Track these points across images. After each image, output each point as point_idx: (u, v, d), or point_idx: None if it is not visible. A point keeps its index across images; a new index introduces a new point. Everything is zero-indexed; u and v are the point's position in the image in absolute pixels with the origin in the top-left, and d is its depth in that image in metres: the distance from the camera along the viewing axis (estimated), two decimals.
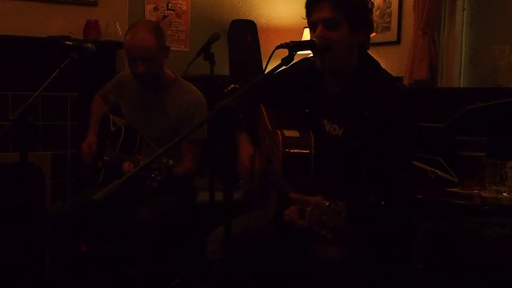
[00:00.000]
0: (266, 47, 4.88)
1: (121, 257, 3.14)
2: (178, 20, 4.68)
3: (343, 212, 1.56)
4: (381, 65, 2.18)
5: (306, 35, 4.71)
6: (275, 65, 1.89)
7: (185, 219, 2.96)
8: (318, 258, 1.85)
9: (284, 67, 1.90)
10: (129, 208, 2.76)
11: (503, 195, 2.45)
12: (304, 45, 2.02)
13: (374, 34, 2.18)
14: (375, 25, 2.18)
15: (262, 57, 4.82)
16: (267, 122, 2.22)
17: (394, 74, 2.31)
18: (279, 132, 2.07)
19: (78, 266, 2.91)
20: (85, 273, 3.08)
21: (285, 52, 1.90)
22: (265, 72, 1.87)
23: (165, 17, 4.61)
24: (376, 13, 4.55)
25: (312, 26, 2.04)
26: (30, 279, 2.90)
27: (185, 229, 3.00)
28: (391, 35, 4.47)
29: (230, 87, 2.82)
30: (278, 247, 2.20)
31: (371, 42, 2.11)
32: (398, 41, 4.51)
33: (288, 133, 2.07)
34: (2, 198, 3.51)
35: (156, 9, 4.58)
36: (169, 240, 2.73)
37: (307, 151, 2.02)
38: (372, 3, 2.10)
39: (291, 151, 2.02)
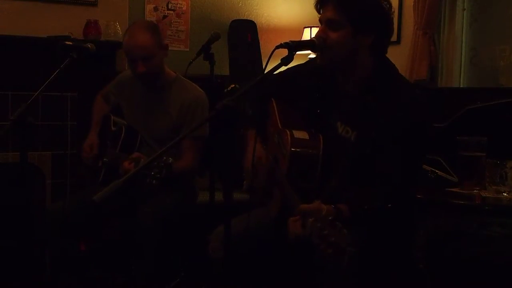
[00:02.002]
0: (266, 47, 4.87)
1: (121, 257, 3.14)
2: (178, 20, 4.67)
3: (344, 229, 1.56)
4: None
5: (306, 35, 4.71)
6: (275, 65, 1.89)
7: (185, 219, 2.96)
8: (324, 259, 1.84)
9: (283, 66, 1.91)
10: (129, 207, 2.76)
11: (503, 195, 2.45)
12: (303, 44, 2.02)
13: None
14: None
15: (262, 57, 4.82)
16: (278, 119, 2.22)
17: None
18: (288, 132, 2.07)
19: (78, 266, 2.91)
20: (85, 273, 3.08)
21: (285, 52, 1.90)
22: (265, 72, 1.87)
23: (165, 17, 4.61)
24: None
25: (320, 23, 2.06)
26: (30, 279, 2.90)
27: (185, 229, 3.00)
28: None
29: (230, 87, 2.82)
30: (279, 245, 2.19)
31: None
32: (398, 41, 4.52)
33: (297, 134, 2.07)
34: (2, 198, 3.51)
35: (156, 9, 4.58)
36: (169, 239, 2.73)
37: (315, 155, 2.01)
38: (390, 4, 2.06)
39: (299, 153, 2.02)
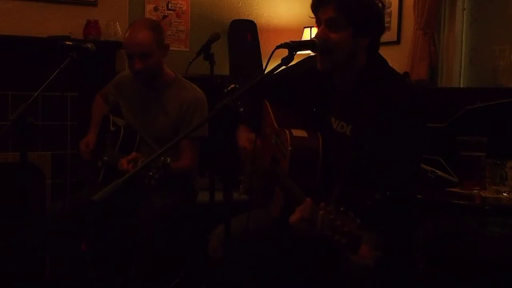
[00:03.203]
0: (266, 47, 4.87)
1: (121, 257, 3.14)
2: (178, 20, 4.67)
3: (357, 218, 1.55)
4: None
5: (306, 35, 4.71)
6: (275, 65, 1.88)
7: (185, 219, 2.96)
8: (351, 263, 1.80)
9: (284, 66, 1.90)
10: (129, 208, 2.76)
11: (503, 195, 2.45)
12: (304, 45, 2.02)
13: None
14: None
15: (262, 57, 4.82)
16: (273, 120, 2.22)
17: None
18: (287, 131, 2.07)
19: (78, 266, 2.91)
20: (85, 273, 3.08)
21: (285, 52, 1.90)
22: (265, 72, 1.87)
23: (165, 17, 4.61)
24: None
25: (318, 24, 2.04)
26: (30, 279, 2.90)
27: (185, 229, 3.00)
28: (391, 35, 4.48)
29: (230, 87, 2.81)
30: (279, 245, 2.19)
31: None
32: (398, 41, 4.52)
33: (296, 132, 2.07)
34: (2, 198, 3.51)
35: (156, 9, 4.58)
36: (169, 240, 2.73)
37: (315, 152, 2.01)
38: (383, 4, 2.07)
39: (299, 151, 2.02)
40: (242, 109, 1.96)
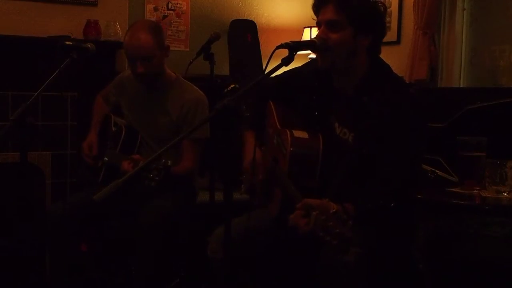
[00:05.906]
0: (266, 47, 4.87)
1: (121, 257, 3.14)
2: (178, 20, 4.67)
3: (350, 220, 1.56)
4: None
5: (306, 35, 4.71)
6: (275, 65, 1.89)
7: (185, 219, 2.96)
8: (331, 260, 1.84)
9: (284, 66, 1.90)
10: (129, 208, 2.76)
11: (503, 195, 2.45)
12: (304, 45, 2.03)
13: None
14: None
15: (262, 57, 4.82)
16: (276, 120, 2.22)
17: None
18: (288, 132, 2.07)
19: (78, 266, 2.91)
20: (85, 273, 3.08)
21: (285, 52, 1.90)
22: (266, 72, 1.87)
23: (165, 17, 4.61)
24: None
25: (318, 26, 2.06)
26: (30, 279, 2.90)
27: (185, 229, 3.00)
28: (391, 35, 4.48)
29: (230, 87, 2.82)
30: (279, 246, 2.20)
31: None
32: (398, 41, 4.52)
33: (297, 133, 2.07)
34: (2, 198, 3.51)
35: (156, 9, 4.58)
36: (169, 240, 2.73)
37: (315, 153, 2.01)
38: (385, 7, 2.08)
39: (299, 151, 2.02)
40: (248, 114, 1.97)
